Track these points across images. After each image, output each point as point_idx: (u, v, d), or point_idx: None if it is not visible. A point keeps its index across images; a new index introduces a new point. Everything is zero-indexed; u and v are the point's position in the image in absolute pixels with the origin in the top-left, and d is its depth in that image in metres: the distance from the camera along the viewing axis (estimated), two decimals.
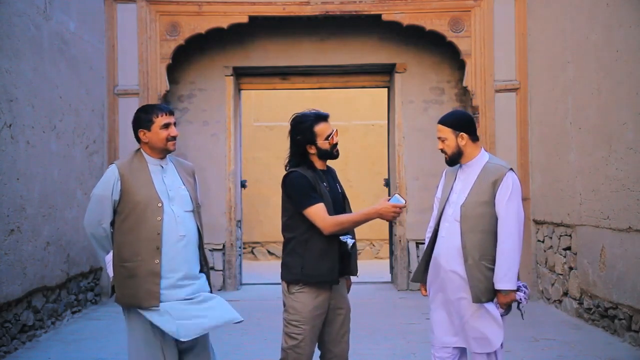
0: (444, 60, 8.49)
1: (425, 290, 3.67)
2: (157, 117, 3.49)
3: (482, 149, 3.56)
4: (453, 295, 3.46)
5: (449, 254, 3.46)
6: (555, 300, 7.12)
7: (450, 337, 3.51)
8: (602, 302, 5.97)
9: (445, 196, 3.57)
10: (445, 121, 3.52)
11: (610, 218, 5.78)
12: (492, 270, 3.38)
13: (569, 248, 6.71)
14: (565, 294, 6.81)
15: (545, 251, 7.40)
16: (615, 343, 5.53)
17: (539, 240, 7.60)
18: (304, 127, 3.49)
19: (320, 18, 8.20)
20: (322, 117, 3.53)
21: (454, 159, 3.53)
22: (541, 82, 7.44)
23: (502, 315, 3.43)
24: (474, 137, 3.52)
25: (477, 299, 3.38)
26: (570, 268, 6.68)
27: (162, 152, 3.55)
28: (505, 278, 3.35)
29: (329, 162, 3.66)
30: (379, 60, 8.59)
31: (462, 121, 3.51)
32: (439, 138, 3.53)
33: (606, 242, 5.86)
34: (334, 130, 3.50)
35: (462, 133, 3.47)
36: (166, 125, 3.50)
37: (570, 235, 6.66)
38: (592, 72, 6.12)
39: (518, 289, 3.41)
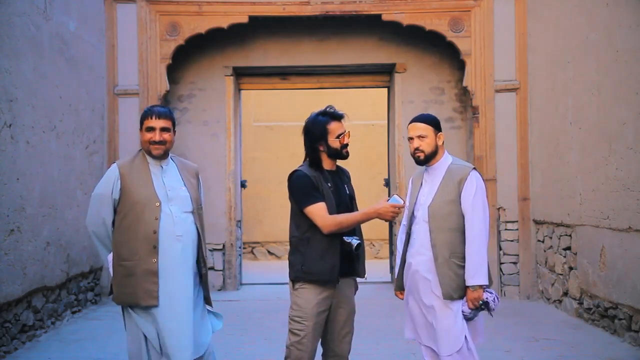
0: (444, 60, 8.49)
1: (402, 295, 3.79)
2: (146, 118, 3.53)
3: (446, 151, 3.70)
4: (424, 298, 3.57)
5: (420, 255, 3.58)
6: (555, 300, 7.12)
7: (427, 339, 3.63)
8: (602, 302, 5.97)
9: (413, 200, 3.70)
10: (426, 120, 3.65)
11: (610, 218, 5.78)
12: (463, 267, 3.50)
13: (569, 248, 6.71)
14: (565, 294, 6.81)
15: (545, 251, 7.40)
16: (615, 343, 5.53)
17: (539, 240, 7.60)
18: (318, 124, 3.54)
19: (320, 18, 8.20)
20: (337, 116, 3.58)
21: (430, 158, 3.63)
22: (541, 82, 7.44)
23: (469, 316, 3.49)
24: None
25: (449, 296, 3.49)
26: (570, 268, 6.68)
27: (150, 155, 3.55)
28: (475, 274, 3.45)
29: (340, 163, 3.71)
30: (379, 60, 8.58)
31: (438, 123, 3.67)
32: (419, 136, 3.60)
33: (606, 242, 5.86)
34: (346, 131, 3.56)
35: (440, 133, 3.64)
36: (149, 129, 3.50)
37: (570, 235, 6.66)
38: (592, 72, 6.11)
39: (487, 287, 3.50)
